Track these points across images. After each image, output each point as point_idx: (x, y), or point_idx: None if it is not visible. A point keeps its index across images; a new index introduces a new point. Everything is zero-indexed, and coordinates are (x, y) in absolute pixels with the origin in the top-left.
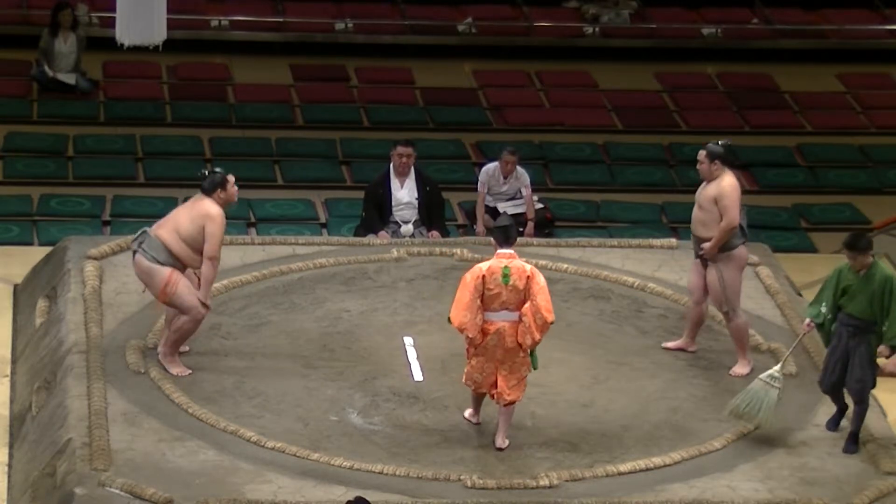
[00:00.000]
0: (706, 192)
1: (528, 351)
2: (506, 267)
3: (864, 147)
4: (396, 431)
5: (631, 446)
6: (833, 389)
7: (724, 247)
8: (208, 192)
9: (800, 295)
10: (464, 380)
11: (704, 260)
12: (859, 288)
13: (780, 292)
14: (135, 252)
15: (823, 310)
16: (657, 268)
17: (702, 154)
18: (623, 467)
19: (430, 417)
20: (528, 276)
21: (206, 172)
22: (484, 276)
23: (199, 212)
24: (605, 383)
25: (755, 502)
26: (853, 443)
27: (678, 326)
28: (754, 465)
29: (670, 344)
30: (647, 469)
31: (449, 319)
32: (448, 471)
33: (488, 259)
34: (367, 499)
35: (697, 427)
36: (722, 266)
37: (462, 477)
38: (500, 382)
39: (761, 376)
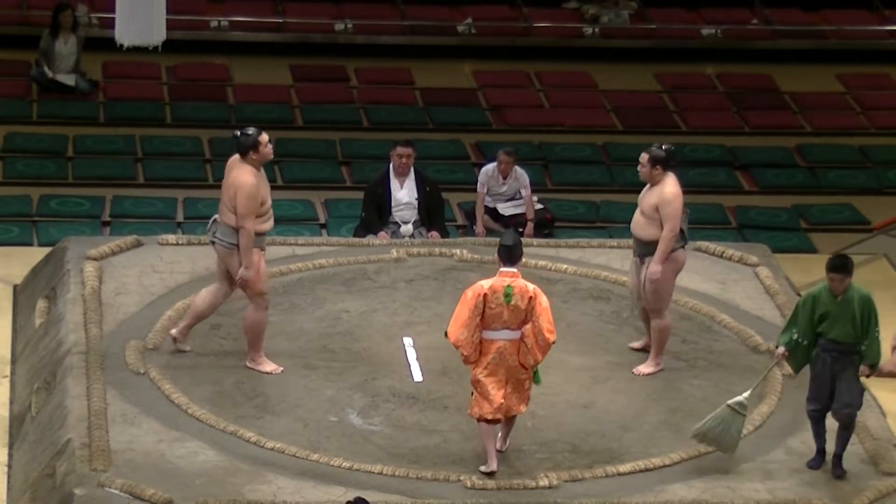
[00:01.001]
0: (648, 198)
1: (533, 368)
2: (508, 286)
3: (863, 147)
4: (396, 432)
5: (631, 447)
6: (819, 417)
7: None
8: (242, 154)
9: (799, 295)
10: (469, 410)
11: (643, 259)
12: (839, 312)
13: (780, 293)
14: (212, 242)
15: (795, 336)
16: None
17: (644, 157)
18: (623, 468)
19: (429, 418)
20: (531, 297)
21: (239, 133)
22: (485, 295)
23: (231, 182)
24: (605, 384)
25: (755, 503)
26: (840, 466)
27: (678, 327)
28: (754, 465)
29: (636, 344)
30: (647, 469)
31: (446, 334)
32: (448, 471)
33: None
34: (367, 499)
35: None
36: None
37: (462, 477)
38: (505, 401)
39: (729, 402)
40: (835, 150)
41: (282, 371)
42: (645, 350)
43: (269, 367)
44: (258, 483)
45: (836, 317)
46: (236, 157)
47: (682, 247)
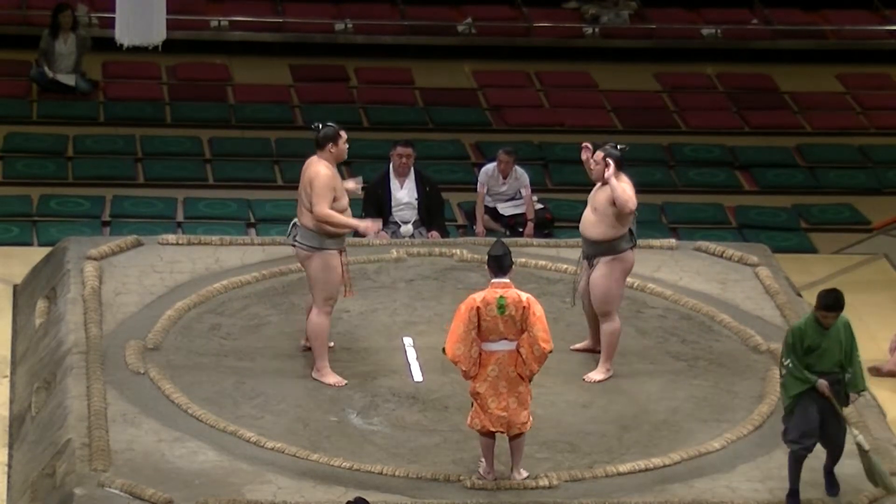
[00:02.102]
0: (602, 194)
1: (530, 380)
2: (501, 297)
3: (863, 147)
4: (396, 432)
5: (630, 447)
6: (806, 455)
7: (611, 249)
8: (321, 146)
9: (799, 295)
10: (468, 421)
11: (591, 261)
12: (829, 343)
13: (780, 293)
14: (294, 246)
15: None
16: (657, 268)
17: (598, 155)
18: (623, 468)
19: (429, 418)
20: (525, 306)
21: (321, 125)
22: (478, 308)
23: (307, 178)
24: (605, 384)
25: (755, 503)
26: (834, 483)
27: (678, 327)
28: (754, 465)
29: (579, 346)
30: (647, 469)
31: (444, 351)
32: (448, 471)
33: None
34: (367, 499)
35: (697, 428)
36: (606, 268)
37: (462, 477)
38: (509, 415)
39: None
40: (835, 150)
41: (345, 385)
42: (587, 351)
43: (332, 378)
44: (258, 483)
45: (826, 348)
46: (312, 157)
47: (631, 248)
